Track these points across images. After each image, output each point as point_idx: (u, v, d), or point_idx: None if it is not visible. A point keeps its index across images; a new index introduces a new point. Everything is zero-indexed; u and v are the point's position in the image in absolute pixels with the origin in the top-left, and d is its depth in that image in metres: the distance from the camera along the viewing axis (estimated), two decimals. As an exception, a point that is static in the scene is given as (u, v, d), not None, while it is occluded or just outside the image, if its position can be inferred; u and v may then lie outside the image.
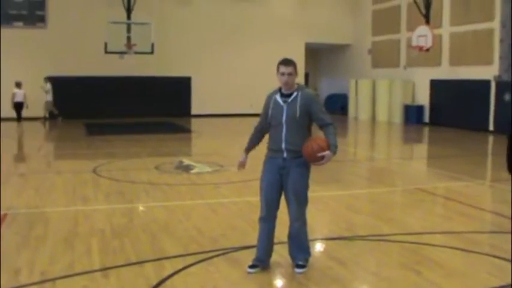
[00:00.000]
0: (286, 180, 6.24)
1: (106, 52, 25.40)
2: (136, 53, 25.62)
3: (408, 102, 28.37)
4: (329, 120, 6.28)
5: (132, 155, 15.91)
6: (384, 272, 6.26)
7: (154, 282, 5.78)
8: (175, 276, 5.98)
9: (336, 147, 6.14)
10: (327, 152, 6.07)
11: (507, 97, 22.15)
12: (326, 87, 37.17)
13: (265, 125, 6.43)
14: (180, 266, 6.22)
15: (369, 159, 16.77)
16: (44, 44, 28.35)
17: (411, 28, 26.66)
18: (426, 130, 25.41)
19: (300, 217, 6.32)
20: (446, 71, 25.86)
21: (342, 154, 17.60)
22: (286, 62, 6.17)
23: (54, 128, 24.75)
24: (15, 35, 28.10)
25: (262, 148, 6.51)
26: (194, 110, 30.27)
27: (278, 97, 6.26)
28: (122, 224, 8.12)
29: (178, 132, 23.27)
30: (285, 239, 6.49)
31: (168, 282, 5.81)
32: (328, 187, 11.42)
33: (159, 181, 11.62)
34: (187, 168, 12.66)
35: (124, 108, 29.11)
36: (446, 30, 25.86)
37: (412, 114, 27.87)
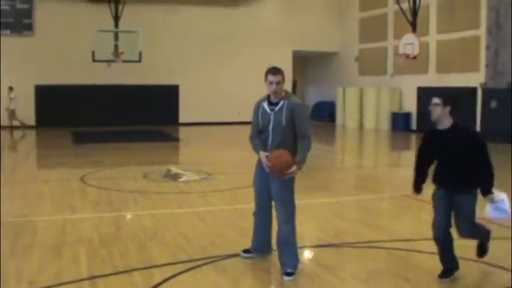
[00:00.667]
0: (272, 186, 6.38)
1: (94, 60, 25.35)
2: (124, 61, 25.58)
3: (395, 109, 28.48)
4: (307, 132, 6.32)
5: (120, 163, 15.89)
6: (373, 278, 6.28)
7: (143, 291, 5.78)
8: (164, 285, 5.98)
9: (302, 163, 6.29)
10: (293, 168, 6.20)
11: (493, 104, 22.31)
12: (314, 95, 37.25)
13: (258, 132, 6.52)
14: (169, 275, 6.21)
15: (357, 167, 16.82)
16: (31, 52, 28.23)
17: (398, 36, 26.75)
18: (414, 137, 25.48)
19: (286, 221, 6.36)
20: (433, 79, 26.00)
21: (329, 161, 17.73)
22: (275, 70, 6.22)
23: (42, 136, 24.63)
24: (2, 42, 27.98)
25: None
26: (182, 118, 30.22)
27: (266, 105, 6.32)
28: (110, 233, 8.09)
29: (166, 140, 23.23)
30: (274, 246, 6.51)
31: (157, 291, 5.82)
32: (316, 195, 11.44)
33: (147, 189, 11.61)
34: (175, 177, 12.64)
35: (112, 117, 29.04)
36: (433, 37, 26.04)
37: (399, 122, 27.98)
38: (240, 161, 16.45)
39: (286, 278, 6.14)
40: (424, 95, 26.49)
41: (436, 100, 6.44)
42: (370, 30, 31.07)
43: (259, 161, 6.53)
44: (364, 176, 14.75)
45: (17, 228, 8.35)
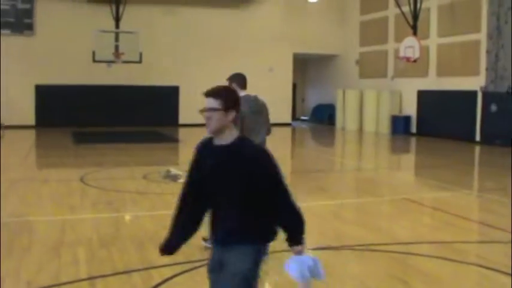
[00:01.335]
0: None
1: (94, 61, 25.36)
2: (124, 62, 25.58)
3: (395, 112, 28.47)
4: None
5: (120, 164, 15.88)
6: (371, 281, 6.28)
7: (142, 292, 5.77)
8: (163, 286, 5.98)
9: None
10: None
11: (493, 108, 22.33)
12: (313, 98, 37.27)
13: None
14: (168, 276, 6.22)
15: (357, 170, 16.81)
16: (32, 52, 28.24)
17: (399, 39, 26.76)
18: (413, 140, 25.52)
19: None
20: (433, 82, 26.02)
21: (329, 164, 17.74)
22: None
23: (42, 136, 24.63)
24: (3, 42, 27.99)
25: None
26: (182, 120, 30.19)
27: None
28: (109, 233, 8.08)
29: (166, 141, 23.24)
30: (272, 248, 6.47)
31: (155, 292, 5.80)
32: (316, 197, 11.44)
33: (146, 190, 11.61)
34: (174, 178, 12.62)
35: (112, 117, 29.04)
36: (433, 41, 26.04)
37: (399, 125, 27.97)
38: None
39: None
40: (424, 98, 26.56)
41: (211, 102, 3.92)
42: (370, 33, 31.10)
43: None
44: (364, 179, 14.75)
45: (16, 228, 8.34)
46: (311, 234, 8.30)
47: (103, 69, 27.59)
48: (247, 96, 7.14)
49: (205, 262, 6.59)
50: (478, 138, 23.15)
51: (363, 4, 31.84)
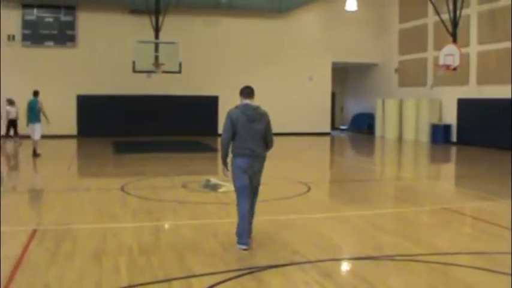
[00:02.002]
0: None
1: (134, 71, 25.65)
2: (164, 72, 25.82)
3: (435, 121, 28.21)
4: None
5: (160, 173, 16.01)
6: (412, 292, 6.23)
7: (182, 300, 5.81)
8: (203, 295, 6.01)
9: None
10: None
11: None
12: (353, 107, 37.13)
13: None
14: (207, 285, 6.23)
15: (396, 179, 16.68)
16: (74, 63, 28.76)
17: (438, 47, 26.55)
18: (454, 149, 25.22)
19: None
20: (473, 90, 25.72)
21: (368, 173, 17.63)
22: None
23: (83, 146, 24.99)
24: (46, 54, 28.56)
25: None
26: (221, 129, 30.31)
27: None
28: (150, 242, 8.17)
29: (205, 151, 23.34)
30: (313, 258, 6.48)
31: (195, 301, 5.85)
32: (355, 206, 11.40)
33: (186, 199, 11.68)
34: (214, 187, 12.69)
35: (151, 127, 29.35)
36: (473, 48, 25.75)
37: (439, 134, 27.69)
38: (277, 172, 16.44)
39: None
40: (465, 106, 26.25)
41: None
42: (410, 42, 30.90)
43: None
44: (404, 189, 14.62)
45: (58, 236, 8.48)
46: (351, 244, 8.34)
47: (143, 79, 27.94)
48: (246, 105, 8.03)
49: (245, 272, 6.67)
50: (520, 147, 22.80)
51: (402, 12, 31.66)
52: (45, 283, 6.27)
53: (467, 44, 25.61)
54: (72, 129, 28.55)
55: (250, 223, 7.90)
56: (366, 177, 16.69)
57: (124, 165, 18.49)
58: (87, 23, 29.11)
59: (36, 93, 19.73)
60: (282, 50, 31.82)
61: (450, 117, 27.59)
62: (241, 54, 31.03)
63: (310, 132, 31.87)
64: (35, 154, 19.59)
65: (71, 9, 28.90)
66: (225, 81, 29.42)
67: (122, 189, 12.77)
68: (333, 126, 35.87)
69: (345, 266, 7.24)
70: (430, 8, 27.97)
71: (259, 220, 9.57)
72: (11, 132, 23.66)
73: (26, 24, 28.41)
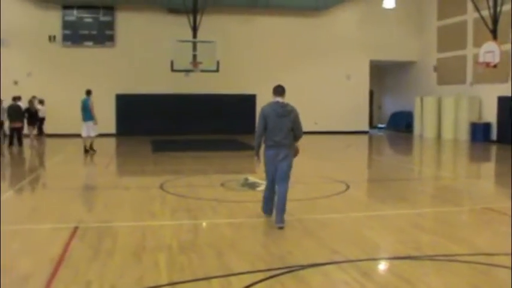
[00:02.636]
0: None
1: (172, 70, 25.82)
2: (202, 71, 25.95)
3: (475, 119, 27.87)
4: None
5: (198, 171, 16.09)
6: (454, 292, 6.16)
7: (222, 299, 5.83)
8: (243, 293, 6.02)
9: None
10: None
11: None
12: (391, 105, 36.86)
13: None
14: (247, 283, 6.24)
15: (436, 178, 16.48)
16: (113, 63, 29.12)
17: (478, 44, 26.23)
18: (494, 148, 24.86)
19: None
20: (514, 88, 25.33)
21: (407, 172, 17.49)
22: None
23: (122, 144, 25.24)
24: (86, 54, 28.95)
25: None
26: (258, 126, 30.34)
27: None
28: (189, 240, 8.21)
29: (243, 149, 23.33)
30: (353, 257, 6.43)
31: (235, 299, 5.86)
32: (395, 206, 11.32)
33: (225, 198, 11.72)
34: (253, 186, 12.72)
35: (189, 126, 29.53)
36: (514, 46, 25.33)
37: (479, 132, 27.36)
38: (316, 171, 16.44)
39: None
40: (505, 104, 25.83)
41: None
42: (448, 39, 30.57)
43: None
44: (443, 188, 14.44)
45: (99, 233, 8.59)
46: (390, 243, 8.27)
47: (181, 78, 28.15)
48: (277, 102, 9.08)
49: (285, 270, 6.66)
50: (563, 145, 22.38)
51: (440, 9, 31.33)
52: (87, 280, 6.35)
53: (507, 41, 25.20)
54: (111, 128, 28.87)
55: (273, 199, 9.34)
56: (405, 176, 16.55)
57: (162, 163, 18.63)
58: (125, 22, 29.45)
59: (88, 92, 20.51)
60: (319, 49, 31.75)
61: (490, 115, 27.22)
62: (278, 52, 31.03)
63: (348, 130, 31.73)
64: (86, 151, 20.36)
65: (109, 9, 29.26)
66: (262, 80, 29.40)
67: (161, 187, 12.86)
68: (371, 125, 35.65)
69: (385, 266, 7.19)
70: (469, 5, 27.64)
71: (298, 218, 9.57)
72: (36, 131, 24.30)
73: (66, 24, 28.87)
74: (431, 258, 7.35)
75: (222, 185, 13.30)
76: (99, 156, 20.26)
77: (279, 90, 9.13)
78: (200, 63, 25.67)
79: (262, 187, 12.15)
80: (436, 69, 31.82)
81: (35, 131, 24.55)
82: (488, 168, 20.12)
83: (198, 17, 26.57)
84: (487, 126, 27.25)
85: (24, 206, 11.00)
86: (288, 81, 30.33)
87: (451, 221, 9.97)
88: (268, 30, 31.02)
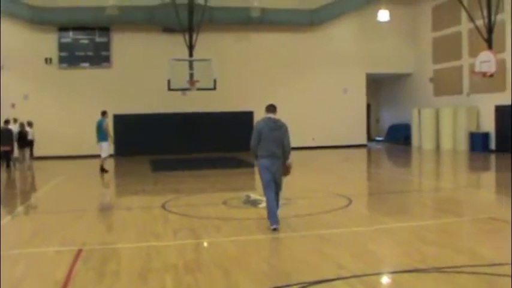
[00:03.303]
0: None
1: (169, 89, 25.79)
2: (199, 89, 25.94)
3: (473, 129, 27.91)
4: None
5: (199, 190, 16.06)
6: (463, 305, 6.11)
7: (231, 318, 5.79)
8: (251, 311, 5.98)
9: None
10: None
11: None
12: (388, 117, 36.91)
13: None
14: (255, 301, 6.20)
15: (437, 189, 16.46)
16: (110, 83, 29.17)
17: (473, 54, 26.32)
18: (493, 157, 24.86)
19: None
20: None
21: (407, 184, 17.46)
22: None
23: (121, 165, 25.19)
24: (82, 75, 29.01)
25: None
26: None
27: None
28: (194, 260, 8.18)
29: (243, 167, 23.31)
30: (359, 272, 6.40)
31: (244, 318, 5.82)
32: (398, 218, 11.29)
33: (228, 216, 11.69)
34: (254, 203, 12.69)
35: (188, 144, 29.51)
36: (509, 54, 25.40)
37: (477, 142, 27.39)
38: (316, 186, 16.43)
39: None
40: (503, 113, 25.86)
41: None
42: (443, 50, 30.70)
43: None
44: (445, 199, 14.42)
45: (104, 255, 8.54)
46: (396, 257, 8.23)
47: (178, 97, 28.18)
48: (269, 118, 10.14)
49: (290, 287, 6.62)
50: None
51: (435, 21, 31.48)
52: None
53: (502, 50, 25.30)
54: (109, 148, 28.79)
55: (276, 207, 9.93)
56: (406, 188, 16.53)
57: (162, 183, 18.59)
58: (121, 43, 29.52)
59: (103, 114, 21.21)
60: (316, 63, 31.82)
61: (488, 124, 27.26)
62: (274, 68, 31.11)
63: (346, 144, 31.72)
64: (102, 170, 20.85)
65: (105, 30, 29.35)
66: (259, 96, 29.35)
67: (163, 207, 12.83)
68: (369, 138, 35.66)
69: (393, 280, 7.13)
70: (464, 15, 27.79)
71: (303, 235, 9.54)
72: (27, 154, 24.26)
73: (62, 46, 28.95)
74: (438, 270, 7.32)
75: (224, 203, 13.27)
76: (99, 177, 20.21)
77: (271, 108, 10.23)
78: (197, 81, 25.66)
79: (264, 204, 12.12)
80: (432, 80, 31.89)
81: (27, 154, 24.49)
82: (489, 177, 20.10)
83: (194, 36, 26.61)
84: (485, 135, 27.27)
85: (26, 229, 10.91)
86: (285, 96, 30.70)
87: (455, 232, 9.96)
88: (263, 47, 31.10)
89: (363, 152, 30.51)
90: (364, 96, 33.19)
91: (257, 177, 10.93)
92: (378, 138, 37.46)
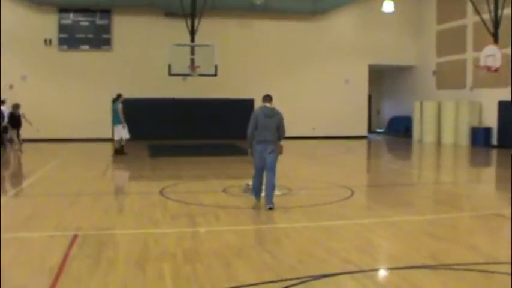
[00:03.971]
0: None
1: (170, 74, 25.40)
2: (200, 75, 25.56)
3: (475, 124, 27.64)
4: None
5: (198, 177, 15.79)
6: (475, 304, 5.85)
7: (232, 311, 5.53)
8: (253, 305, 5.72)
9: None
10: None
11: None
12: (389, 110, 36.62)
13: None
14: (257, 295, 5.94)
15: (439, 183, 16.21)
16: (109, 67, 28.80)
17: (478, 48, 26.00)
18: (495, 153, 24.62)
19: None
20: (515, 92, 25.06)
21: (410, 177, 17.22)
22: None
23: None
24: (82, 57, 28.65)
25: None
26: (256, 132, 30.05)
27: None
28: (193, 248, 7.89)
29: (242, 154, 22.93)
30: (366, 267, 6.15)
31: (246, 312, 5.56)
32: (402, 211, 11.04)
33: (227, 204, 11.42)
34: (255, 191, 12.41)
35: (187, 130, 29.22)
36: (515, 49, 25.07)
37: (479, 137, 27.14)
38: (318, 176, 16.17)
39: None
40: (506, 109, 25.59)
41: None
42: (448, 43, 30.37)
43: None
44: (449, 193, 14.16)
45: (100, 241, 8.27)
46: (403, 251, 7.93)
47: (179, 83, 27.85)
48: (265, 106, 10.87)
49: (297, 281, 6.34)
50: None
51: (440, 13, 31.14)
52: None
53: (507, 45, 24.97)
54: (107, 132, 28.49)
55: (261, 187, 11.12)
56: (408, 181, 16.29)
57: (161, 168, 18.29)
58: (122, 26, 29.15)
59: (118, 97, 21.55)
60: (318, 53, 31.50)
61: (491, 120, 26.99)
62: (276, 56, 30.79)
63: (346, 135, 31.43)
64: (117, 152, 21.33)
65: (106, 12, 28.97)
66: (260, 84, 28.99)
67: (161, 193, 12.54)
68: (369, 130, 35.37)
69: (401, 276, 6.82)
70: (469, 9, 27.46)
71: (305, 226, 9.28)
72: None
73: (62, 28, 28.56)
74: (447, 267, 7.03)
75: (224, 190, 12.99)
76: (96, 161, 19.95)
77: (267, 98, 11.02)
78: (198, 67, 25.28)
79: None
80: (435, 73, 31.58)
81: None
82: (491, 173, 19.86)
83: (196, 21, 26.19)
84: (487, 130, 27.01)
85: (20, 213, 10.58)
86: (286, 85, 30.42)
87: (461, 228, 9.72)
88: (266, 34, 30.76)
89: (364, 143, 30.23)
90: (366, 87, 32.88)
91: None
92: (378, 130, 37.17)
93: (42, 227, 9.22)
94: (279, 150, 10.88)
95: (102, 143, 26.60)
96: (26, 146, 23.21)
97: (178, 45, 25.26)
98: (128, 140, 21.82)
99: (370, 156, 25.73)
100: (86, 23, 28.81)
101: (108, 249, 7.79)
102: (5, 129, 23.03)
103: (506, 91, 25.43)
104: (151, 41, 28.87)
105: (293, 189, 12.97)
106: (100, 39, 28.96)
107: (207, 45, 25.42)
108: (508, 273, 6.70)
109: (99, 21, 28.91)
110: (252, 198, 11.42)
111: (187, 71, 25.35)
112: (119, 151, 21.36)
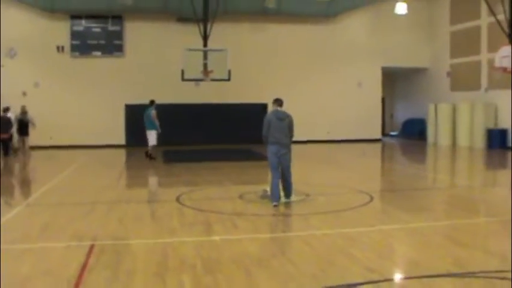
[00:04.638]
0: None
1: (183, 79, 25.29)
2: (213, 80, 25.43)
3: (491, 126, 27.37)
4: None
5: (213, 183, 15.62)
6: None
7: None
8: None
9: None
10: None
11: None
12: (403, 112, 36.36)
13: None
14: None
15: (458, 187, 15.96)
16: (122, 73, 28.75)
17: (493, 49, 25.75)
18: (510, 155, 24.30)
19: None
20: (531, 93, 24.76)
21: (428, 181, 16.98)
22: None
23: (133, 156, 24.79)
24: (94, 64, 28.60)
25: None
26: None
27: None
28: (213, 258, 7.72)
29: (257, 159, 22.80)
30: (390, 275, 5.95)
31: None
32: (423, 217, 10.79)
33: (245, 211, 11.25)
34: (272, 198, 12.24)
35: (201, 136, 29.12)
36: (531, 50, 24.76)
37: (495, 139, 26.87)
38: (335, 181, 15.99)
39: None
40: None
41: None
42: (462, 44, 30.12)
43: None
44: (468, 198, 13.90)
45: (118, 251, 8.13)
46: (427, 259, 7.70)
47: (192, 88, 27.74)
48: (277, 110, 11.90)
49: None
50: None
51: (453, 14, 30.89)
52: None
53: (523, 46, 24.67)
54: (121, 138, 28.47)
55: (279, 189, 11.61)
56: (427, 186, 16.06)
57: (176, 174, 18.13)
58: (134, 32, 29.10)
59: (151, 103, 21.86)
60: (331, 56, 31.33)
61: (506, 121, 26.71)
62: (289, 60, 30.64)
63: (360, 138, 31.23)
64: (147, 156, 21.72)
65: (118, 18, 28.93)
66: (273, 88, 28.69)
67: (177, 200, 12.39)
68: (383, 133, 35.13)
69: (426, 285, 6.62)
70: (483, 9, 27.23)
71: (326, 233, 9.09)
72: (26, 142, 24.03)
73: (74, 34, 28.56)
74: (475, 275, 6.84)
75: (240, 197, 12.83)
76: (110, 168, 19.81)
77: (278, 102, 12.00)
78: (211, 72, 25.16)
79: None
80: (449, 75, 31.32)
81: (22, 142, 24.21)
82: (509, 176, 19.54)
83: (208, 25, 26.10)
84: (503, 132, 26.73)
85: (35, 223, 10.40)
86: (299, 89, 30.24)
87: (484, 233, 9.49)
88: (279, 38, 30.61)
89: (378, 146, 30.00)
90: (380, 90, 32.67)
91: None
92: (392, 133, 36.92)
93: (58, 237, 9.09)
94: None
95: (115, 150, 26.51)
96: (38, 154, 23.20)
97: (191, 50, 25.16)
98: (141, 147, 21.81)
99: (385, 160, 25.50)
100: (98, 30, 28.78)
101: (126, 260, 7.64)
102: (11, 137, 23.04)
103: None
104: (164, 47, 28.79)
105: (311, 194, 12.78)
106: (112, 45, 28.92)
107: (220, 50, 25.31)
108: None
109: (111, 28, 28.88)
110: (269, 205, 11.26)
111: (200, 76, 25.25)
112: (149, 156, 21.71)
